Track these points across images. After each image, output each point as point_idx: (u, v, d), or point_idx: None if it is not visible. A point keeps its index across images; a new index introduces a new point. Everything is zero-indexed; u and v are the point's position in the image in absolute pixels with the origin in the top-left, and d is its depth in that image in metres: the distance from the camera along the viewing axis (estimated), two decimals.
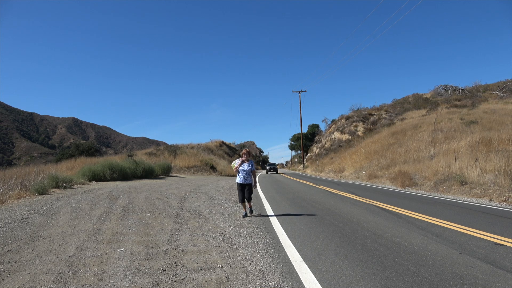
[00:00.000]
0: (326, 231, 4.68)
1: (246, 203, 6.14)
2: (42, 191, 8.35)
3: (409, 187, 11.40)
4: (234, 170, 6.11)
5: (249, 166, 6.08)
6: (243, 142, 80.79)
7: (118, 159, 17.56)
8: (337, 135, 35.89)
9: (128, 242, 4.08)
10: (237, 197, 6.57)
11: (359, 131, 32.55)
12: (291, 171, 42.40)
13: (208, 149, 37.91)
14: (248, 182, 6.06)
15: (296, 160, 65.06)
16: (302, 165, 40.57)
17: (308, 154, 45.66)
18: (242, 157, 6.15)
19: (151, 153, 28.05)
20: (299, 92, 40.87)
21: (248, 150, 6.31)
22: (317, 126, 61.38)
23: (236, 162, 6.16)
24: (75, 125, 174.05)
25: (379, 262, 3.22)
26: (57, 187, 9.62)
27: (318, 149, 40.38)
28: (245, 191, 6.01)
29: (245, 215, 6.05)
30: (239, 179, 6.07)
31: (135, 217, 5.67)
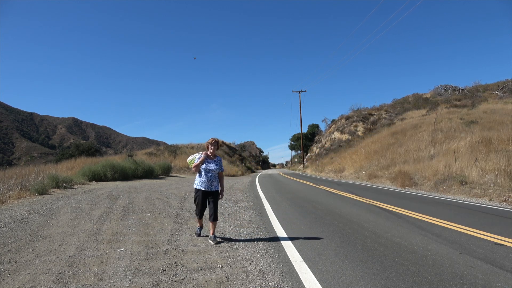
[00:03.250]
0: (326, 231, 4.68)
1: (208, 222, 4.51)
2: (42, 191, 8.35)
3: (409, 187, 11.40)
4: (193, 169, 4.13)
5: (216, 164, 4.17)
6: (243, 142, 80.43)
7: (118, 159, 17.56)
8: (337, 135, 35.88)
9: (128, 242, 4.08)
10: (237, 197, 6.34)
11: (359, 131, 32.55)
12: (291, 171, 42.37)
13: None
14: (214, 189, 4.15)
15: (296, 160, 64.94)
16: (302, 165, 40.54)
17: (308, 154, 45.66)
18: (208, 149, 4.22)
19: (151, 153, 28.06)
20: (299, 92, 40.84)
21: (216, 139, 4.23)
22: (317, 126, 61.35)
23: (197, 157, 4.17)
24: (75, 125, 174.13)
25: (379, 262, 3.22)
26: (57, 187, 9.61)
27: (318, 149, 40.35)
28: (209, 202, 4.16)
29: (199, 230, 4.36)
30: (199, 183, 4.15)
31: (135, 217, 5.67)
